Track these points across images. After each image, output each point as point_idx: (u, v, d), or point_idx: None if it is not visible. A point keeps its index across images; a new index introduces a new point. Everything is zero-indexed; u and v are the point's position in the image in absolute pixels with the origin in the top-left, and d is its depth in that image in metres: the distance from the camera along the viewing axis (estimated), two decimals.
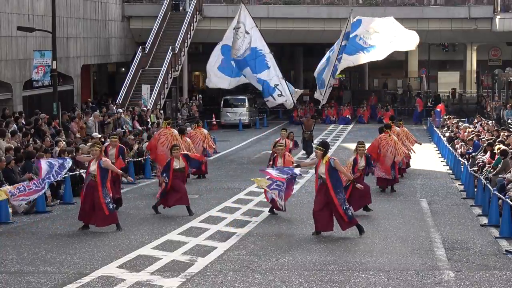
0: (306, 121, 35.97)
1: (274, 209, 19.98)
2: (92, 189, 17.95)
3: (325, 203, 17.18)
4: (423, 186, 25.73)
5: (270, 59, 34.35)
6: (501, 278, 13.76)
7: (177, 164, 20.10)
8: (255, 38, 34.10)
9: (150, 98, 44.21)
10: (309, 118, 36.78)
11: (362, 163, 20.74)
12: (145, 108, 41.63)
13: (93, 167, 18.01)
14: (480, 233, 17.95)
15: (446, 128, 40.18)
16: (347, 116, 55.25)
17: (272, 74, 34.35)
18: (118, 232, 17.69)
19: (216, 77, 36.14)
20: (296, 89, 38.35)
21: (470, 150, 28.94)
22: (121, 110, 39.00)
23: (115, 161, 21.08)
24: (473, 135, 31.26)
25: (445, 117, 45.00)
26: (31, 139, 27.03)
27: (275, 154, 21.10)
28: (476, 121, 40.53)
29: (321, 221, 17.34)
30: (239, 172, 28.10)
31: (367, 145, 22.17)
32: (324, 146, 17.49)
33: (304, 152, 34.55)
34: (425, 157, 32.77)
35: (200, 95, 55.63)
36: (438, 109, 55.81)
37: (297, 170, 18.84)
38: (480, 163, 25.22)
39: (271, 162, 20.84)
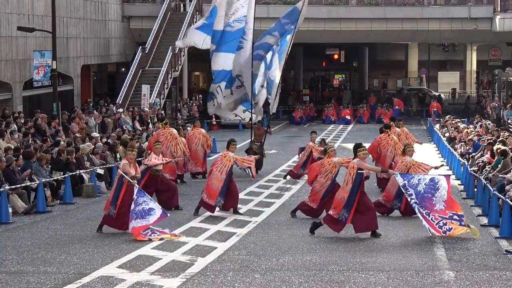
0: (257, 129, 29.15)
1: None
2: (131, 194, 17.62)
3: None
4: None
5: (247, 39, 28.90)
6: (501, 278, 13.76)
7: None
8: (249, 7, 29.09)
9: (150, 98, 44.22)
10: (259, 125, 29.49)
11: None
12: (146, 109, 41.61)
13: (133, 172, 17.85)
14: (480, 233, 17.93)
15: (445, 128, 40.16)
16: (347, 116, 55.26)
17: (236, 62, 29.04)
18: (118, 232, 17.66)
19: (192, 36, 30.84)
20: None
21: (470, 150, 28.91)
22: (121, 110, 39.02)
23: None
24: (473, 135, 31.24)
25: (446, 117, 44.95)
26: (31, 139, 27.07)
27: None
28: (476, 121, 40.53)
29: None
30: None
31: (367, 145, 22.07)
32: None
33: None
34: (425, 157, 32.74)
35: (201, 95, 55.64)
36: (435, 109, 55.86)
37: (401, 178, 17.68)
38: (480, 163, 25.21)
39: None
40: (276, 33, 29.35)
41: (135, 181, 17.77)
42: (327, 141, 31.43)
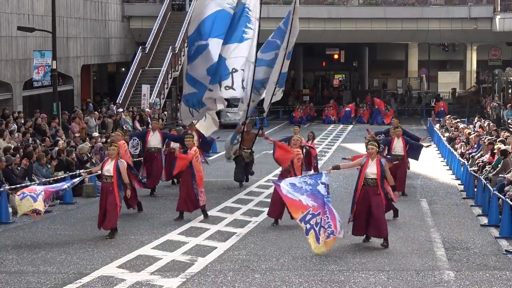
0: (246, 134, 25.51)
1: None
2: (107, 191, 17.31)
3: (368, 208, 16.08)
4: (423, 186, 25.73)
5: (252, 29, 24.69)
6: (501, 278, 13.77)
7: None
8: None
9: (150, 98, 44.22)
10: (249, 129, 25.63)
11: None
12: (147, 109, 41.59)
13: (108, 167, 17.32)
14: (480, 233, 17.95)
15: (444, 129, 40.13)
16: (347, 109, 55.40)
17: (241, 53, 24.55)
18: (118, 232, 17.64)
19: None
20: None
21: (474, 150, 28.77)
22: (121, 110, 39.01)
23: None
24: (474, 135, 31.20)
25: (446, 117, 44.94)
26: (30, 138, 27.08)
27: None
28: (476, 121, 40.53)
29: (360, 227, 16.36)
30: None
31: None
32: (378, 142, 16.35)
33: (238, 182, 25.24)
34: (425, 157, 32.75)
35: None
36: (442, 108, 55.87)
37: (324, 177, 15.94)
38: (480, 163, 25.21)
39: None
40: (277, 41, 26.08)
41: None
42: (328, 140, 31.33)
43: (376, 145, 16.20)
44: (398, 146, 22.99)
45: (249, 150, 25.28)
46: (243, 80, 24.60)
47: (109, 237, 17.16)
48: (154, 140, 23.47)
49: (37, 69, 33.40)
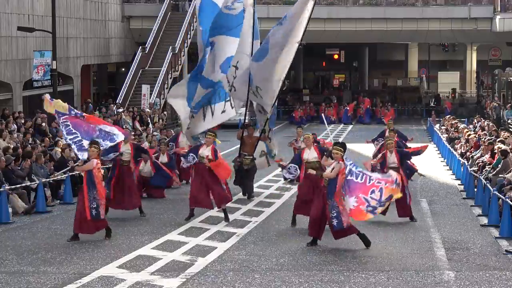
0: (247, 137, 23.05)
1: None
2: (82, 192, 17.00)
3: (322, 208, 15.96)
4: (423, 186, 25.73)
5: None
6: (501, 278, 13.76)
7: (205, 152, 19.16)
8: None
9: (150, 98, 44.23)
10: (251, 134, 23.18)
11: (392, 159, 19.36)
12: (147, 110, 41.59)
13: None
14: (480, 233, 17.95)
15: (444, 130, 40.13)
16: (347, 108, 55.54)
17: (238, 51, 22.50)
18: (118, 232, 17.65)
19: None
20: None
21: (477, 151, 28.69)
22: (121, 110, 39.02)
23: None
24: (473, 135, 31.23)
25: (446, 117, 44.93)
26: (30, 138, 27.07)
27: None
28: (476, 121, 40.55)
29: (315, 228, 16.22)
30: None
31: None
32: (343, 147, 15.75)
33: (242, 191, 23.00)
34: (425, 157, 32.74)
35: None
36: (448, 108, 56.03)
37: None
38: (480, 163, 25.21)
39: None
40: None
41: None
42: (327, 140, 31.22)
43: (341, 149, 15.63)
44: (392, 160, 21.32)
45: (250, 157, 22.57)
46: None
47: (107, 237, 17.11)
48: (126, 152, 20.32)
49: (37, 69, 33.42)
